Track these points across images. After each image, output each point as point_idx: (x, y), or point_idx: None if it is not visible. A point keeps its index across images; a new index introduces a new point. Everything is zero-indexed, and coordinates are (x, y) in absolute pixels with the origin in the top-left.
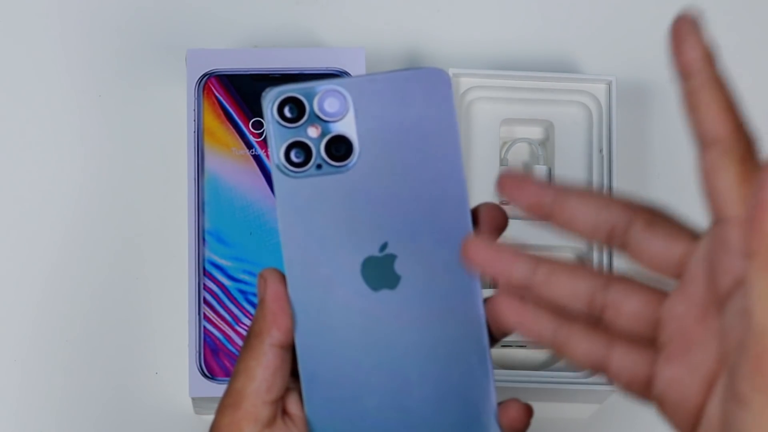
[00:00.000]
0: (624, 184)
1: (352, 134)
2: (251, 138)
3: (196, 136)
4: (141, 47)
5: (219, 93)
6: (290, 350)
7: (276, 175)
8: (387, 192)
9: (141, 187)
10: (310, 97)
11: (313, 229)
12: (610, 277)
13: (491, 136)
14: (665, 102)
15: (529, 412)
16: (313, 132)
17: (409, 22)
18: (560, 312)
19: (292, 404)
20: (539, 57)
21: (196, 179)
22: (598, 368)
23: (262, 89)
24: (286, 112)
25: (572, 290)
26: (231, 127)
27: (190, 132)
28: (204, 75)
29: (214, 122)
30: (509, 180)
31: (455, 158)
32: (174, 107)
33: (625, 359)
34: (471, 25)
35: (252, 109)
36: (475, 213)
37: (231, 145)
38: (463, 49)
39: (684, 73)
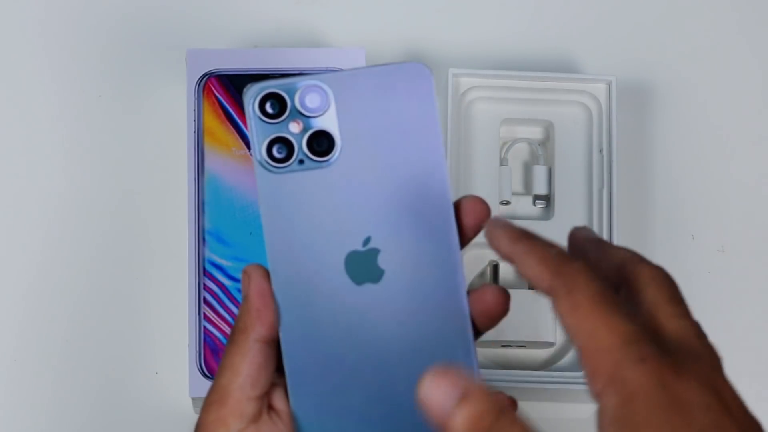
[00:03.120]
0: (624, 184)
1: (333, 129)
2: None
3: (196, 136)
4: (141, 47)
5: (219, 93)
6: (275, 346)
7: (258, 171)
8: (369, 186)
9: (141, 187)
10: (292, 93)
11: (296, 225)
12: None
13: (491, 136)
14: (665, 102)
15: (512, 403)
16: (294, 127)
17: (409, 22)
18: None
19: (278, 399)
20: (539, 57)
21: (196, 179)
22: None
23: None
24: (268, 107)
25: None
26: (231, 127)
27: (190, 132)
28: (204, 75)
29: (214, 122)
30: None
31: (437, 152)
32: (174, 107)
33: None
34: (471, 25)
35: None
36: (457, 206)
37: (231, 145)
38: (463, 49)
39: (508, 261)
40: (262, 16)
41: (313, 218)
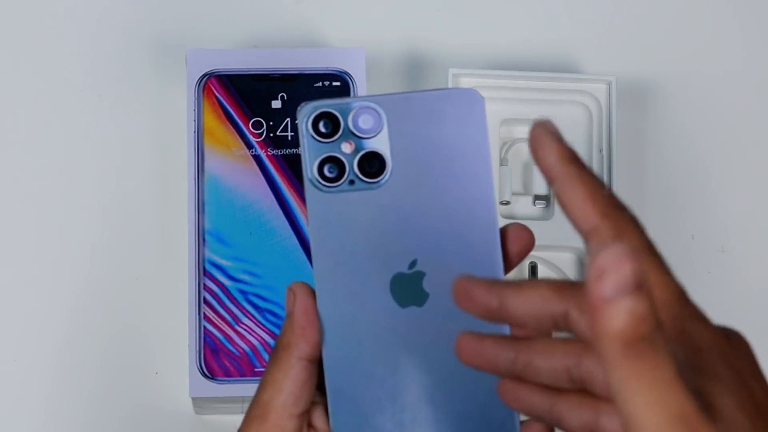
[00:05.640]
0: (624, 184)
1: (385, 151)
2: (251, 138)
3: (196, 136)
4: (141, 47)
5: (219, 93)
6: (317, 364)
7: (308, 189)
8: (418, 210)
9: (141, 187)
10: (345, 113)
11: (343, 244)
12: (583, 347)
13: (491, 136)
14: (665, 102)
15: None
16: (346, 148)
17: (409, 22)
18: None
19: (318, 418)
20: (539, 57)
21: (196, 179)
22: None
23: (262, 89)
24: (321, 127)
25: (551, 371)
26: (231, 127)
27: (190, 132)
28: (204, 75)
29: (214, 122)
30: (460, 290)
31: (486, 179)
32: (174, 107)
33: (611, 422)
34: (471, 25)
35: (252, 109)
36: (502, 233)
37: (231, 145)
38: (463, 49)
39: (547, 178)
40: (262, 16)
41: (361, 239)
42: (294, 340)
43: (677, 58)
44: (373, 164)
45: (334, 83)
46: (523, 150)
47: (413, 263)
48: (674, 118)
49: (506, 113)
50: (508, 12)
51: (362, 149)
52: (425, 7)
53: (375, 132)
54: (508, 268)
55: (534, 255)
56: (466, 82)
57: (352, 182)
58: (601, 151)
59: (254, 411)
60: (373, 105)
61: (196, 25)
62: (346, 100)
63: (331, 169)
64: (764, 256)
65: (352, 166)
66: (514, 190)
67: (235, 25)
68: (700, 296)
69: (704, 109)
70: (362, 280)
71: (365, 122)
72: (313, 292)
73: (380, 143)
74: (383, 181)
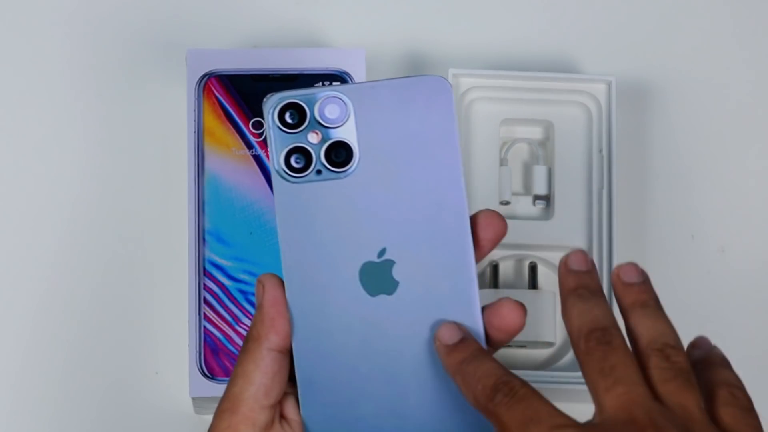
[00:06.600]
0: (624, 184)
1: (352, 140)
2: (251, 138)
3: (196, 136)
4: (141, 47)
5: (219, 93)
6: (288, 355)
7: (276, 180)
8: (386, 198)
9: (141, 187)
10: (311, 103)
11: (312, 235)
12: None
13: (491, 136)
14: (665, 102)
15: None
16: (313, 138)
17: (409, 22)
18: None
19: (290, 409)
20: (539, 57)
21: (196, 179)
22: None
23: (262, 89)
24: (287, 117)
25: None
26: (231, 127)
27: (190, 132)
28: (204, 75)
29: (214, 122)
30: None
31: (455, 165)
32: (174, 107)
33: None
34: (471, 25)
35: (252, 109)
36: (473, 220)
37: (231, 145)
38: (463, 49)
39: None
40: (262, 16)
41: (329, 228)
42: (264, 332)
43: (677, 58)
44: (340, 154)
45: (334, 83)
46: (523, 150)
47: (382, 252)
48: (674, 118)
49: (506, 113)
50: (508, 12)
51: (329, 139)
52: (425, 7)
53: (341, 121)
54: (480, 255)
55: (534, 255)
56: (466, 82)
57: (319, 172)
58: (600, 151)
59: (225, 404)
60: (339, 95)
61: (196, 25)
62: (312, 90)
63: (298, 160)
64: (764, 256)
65: (319, 156)
66: (514, 190)
67: (235, 25)
68: (699, 296)
69: (704, 109)
70: (331, 270)
71: (331, 112)
72: (282, 284)
73: (347, 132)
74: (351, 171)
